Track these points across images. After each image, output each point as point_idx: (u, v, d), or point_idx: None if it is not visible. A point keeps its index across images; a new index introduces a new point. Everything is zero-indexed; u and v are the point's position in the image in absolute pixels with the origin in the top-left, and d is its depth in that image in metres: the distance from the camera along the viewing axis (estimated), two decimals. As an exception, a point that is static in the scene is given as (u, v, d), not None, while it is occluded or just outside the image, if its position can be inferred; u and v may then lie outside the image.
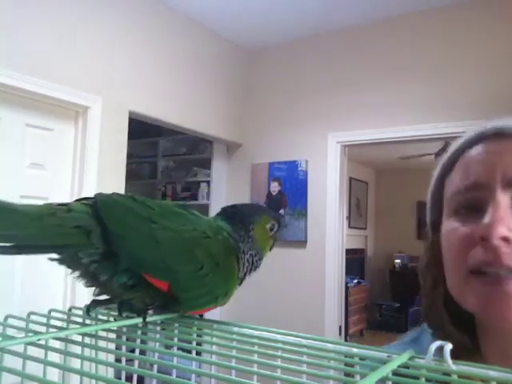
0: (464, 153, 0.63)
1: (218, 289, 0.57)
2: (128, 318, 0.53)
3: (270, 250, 0.67)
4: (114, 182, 2.92)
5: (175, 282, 0.54)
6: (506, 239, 0.53)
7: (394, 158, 7.15)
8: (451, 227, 0.60)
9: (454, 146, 0.66)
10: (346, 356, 0.41)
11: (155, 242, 0.53)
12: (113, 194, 0.58)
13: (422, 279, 0.67)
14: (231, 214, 0.64)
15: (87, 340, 0.47)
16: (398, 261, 8.16)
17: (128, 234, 0.53)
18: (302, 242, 3.62)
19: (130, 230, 0.53)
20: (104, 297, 0.56)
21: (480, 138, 0.62)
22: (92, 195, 0.57)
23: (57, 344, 0.46)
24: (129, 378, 0.44)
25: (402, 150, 6.40)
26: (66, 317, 0.53)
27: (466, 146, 0.63)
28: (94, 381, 0.38)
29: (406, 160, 6.81)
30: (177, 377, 0.37)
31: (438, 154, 5.27)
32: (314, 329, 3.38)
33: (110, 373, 1.84)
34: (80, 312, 0.55)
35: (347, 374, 0.39)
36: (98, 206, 0.53)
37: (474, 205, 0.58)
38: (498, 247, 0.53)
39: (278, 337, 0.46)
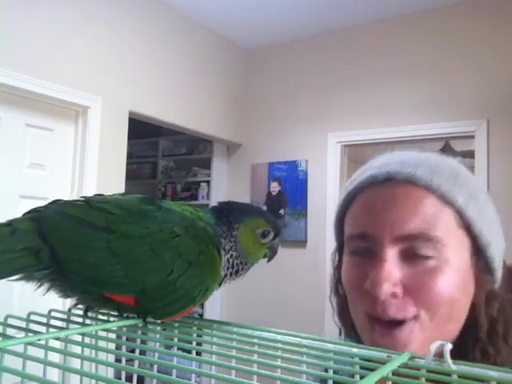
0: (357, 196, 0.62)
1: (195, 289, 0.52)
2: (128, 318, 0.52)
3: (269, 260, 0.61)
4: (114, 182, 2.92)
5: (143, 295, 0.50)
6: (393, 294, 0.55)
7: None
8: (347, 266, 0.62)
9: (347, 186, 0.65)
10: (345, 356, 0.41)
11: (113, 256, 0.48)
12: (64, 204, 0.52)
13: (331, 302, 0.69)
14: (221, 208, 0.59)
15: (87, 340, 0.47)
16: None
17: (78, 254, 0.48)
18: (302, 242, 3.62)
19: (80, 250, 0.48)
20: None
21: (371, 183, 0.60)
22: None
23: (57, 344, 0.46)
24: (129, 378, 0.44)
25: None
26: (65, 317, 0.53)
27: (357, 191, 0.62)
28: (93, 381, 0.38)
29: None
30: (177, 377, 0.37)
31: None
32: (314, 329, 3.37)
33: (110, 373, 1.84)
34: (80, 312, 0.55)
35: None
36: (42, 223, 0.49)
37: (367, 250, 0.59)
38: (384, 302, 0.55)
39: (278, 337, 0.46)
